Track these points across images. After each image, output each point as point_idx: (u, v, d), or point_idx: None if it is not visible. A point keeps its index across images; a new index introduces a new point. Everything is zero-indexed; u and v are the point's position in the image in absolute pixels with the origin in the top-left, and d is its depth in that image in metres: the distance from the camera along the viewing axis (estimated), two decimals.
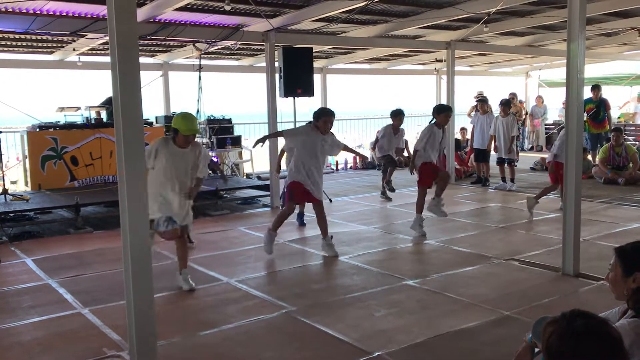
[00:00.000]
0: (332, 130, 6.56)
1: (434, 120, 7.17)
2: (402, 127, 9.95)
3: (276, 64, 9.46)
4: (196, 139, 5.54)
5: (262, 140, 6.73)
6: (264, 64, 9.86)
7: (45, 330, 4.41)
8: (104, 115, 10.11)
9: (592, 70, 16.39)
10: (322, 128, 6.33)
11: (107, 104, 10.05)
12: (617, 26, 10.78)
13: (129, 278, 3.39)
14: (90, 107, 10.22)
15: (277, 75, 9.41)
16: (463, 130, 13.81)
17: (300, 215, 8.01)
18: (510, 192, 10.25)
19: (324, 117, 6.34)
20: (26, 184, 9.71)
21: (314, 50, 10.16)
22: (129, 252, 3.34)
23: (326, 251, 6.36)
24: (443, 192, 7.34)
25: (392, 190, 9.83)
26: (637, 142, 12.60)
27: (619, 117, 16.44)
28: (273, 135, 7.37)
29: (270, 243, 6.33)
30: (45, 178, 9.29)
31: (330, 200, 9.64)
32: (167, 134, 4.94)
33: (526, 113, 16.99)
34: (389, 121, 9.93)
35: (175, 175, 5.20)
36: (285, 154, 7.41)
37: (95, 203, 8.66)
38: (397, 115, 9.74)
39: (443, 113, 7.14)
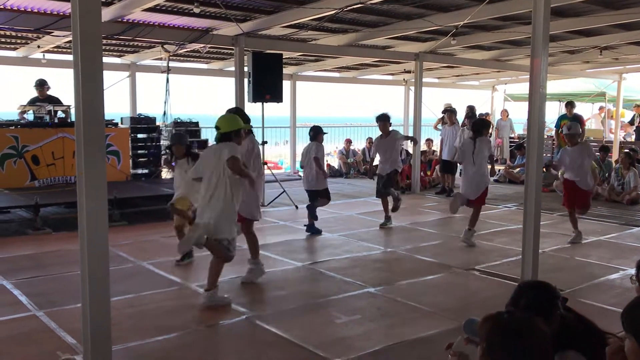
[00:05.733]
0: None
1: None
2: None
3: (245, 69, 9.44)
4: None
5: None
6: (233, 68, 9.82)
7: None
8: (30, 115, 9.85)
9: (555, 86, 16.76)
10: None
11: (32, 103, 9.81)
12: (580, 44, 11.07)
13: (86, 280, 3.32)
14: (54, 105, 10.01)
15: (246, 80, 9.38)
16: (429, 141, 14.01)
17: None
18: None
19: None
20: None
21: (283, 57, 10.17)
22: (86, 253, 3.28)
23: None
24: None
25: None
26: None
27: None
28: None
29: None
30: (4, 177, 9.04)
31: (297, 207, 9.63)
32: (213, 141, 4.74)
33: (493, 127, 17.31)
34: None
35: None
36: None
37: (56, 204, 8.47)
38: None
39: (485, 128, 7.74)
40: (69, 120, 9.67)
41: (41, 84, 9.82)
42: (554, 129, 13.05)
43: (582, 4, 8.12)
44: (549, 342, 1.85)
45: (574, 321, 2.32)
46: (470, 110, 12.27)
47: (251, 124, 5.64)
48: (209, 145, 5.15)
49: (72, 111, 9.18)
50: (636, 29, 9.84)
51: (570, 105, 12.77)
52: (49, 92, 9.92)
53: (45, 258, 6.40)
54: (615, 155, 14.33)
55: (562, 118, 12.66)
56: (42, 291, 5.23)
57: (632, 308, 1.89)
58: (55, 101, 9.83)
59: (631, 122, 17.01)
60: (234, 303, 4.95)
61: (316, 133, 8.00)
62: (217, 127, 4.92)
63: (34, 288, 5.31)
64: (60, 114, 9.56)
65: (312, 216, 7.86)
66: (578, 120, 12.87)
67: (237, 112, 5.46)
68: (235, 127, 4.90)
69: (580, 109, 18.41)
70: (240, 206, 5.09)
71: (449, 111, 11.76)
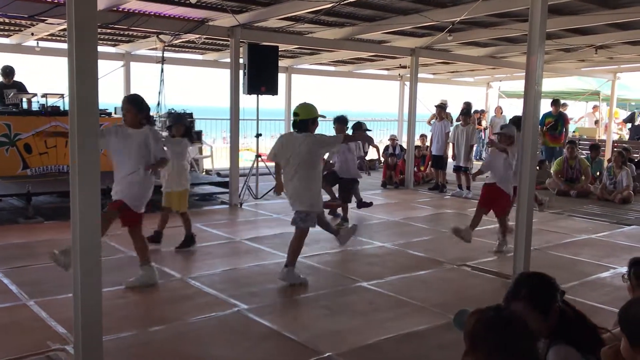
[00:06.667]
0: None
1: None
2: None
3: (241, 61, 9.40)
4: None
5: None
6: (228, 60, 9.78)
7: None
8: None
9: (550, 84, 16.80)
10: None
11: None
12: (576, 42, 11.09)
13: (77, 270, 3.30)
14: (47, 94, 9.94)
15: (241, 72, 9.35)
16: (423, 137, 14.03)
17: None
18: (465, 199, 10.43)
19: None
20: None
21: (279, 49, 10.14)
22: (78, 243, 3.26)
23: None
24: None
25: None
26: (585, 154, 12.99)
27: (573, 131, 16.93)
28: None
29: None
30: None
31: None
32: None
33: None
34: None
35: None
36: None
37: (48, 192, 8.43)
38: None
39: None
40: (61, 109, 9.59)
41: (11, 72, 9.80)
42: (538, 126, 13.06)
43: (579, 2, 8.13)
44: (533, 340, 1.85)
45: (572, 316, 2.32)
46: (466, 106, 12.29)
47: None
48: (287, 133, 5.76)
49: (66, 100, 9.14)
50: (631, 29, 9.87)
51: (555, 103, 12.78)
52: (14, 78, 9.97)
53: (37, 247, 6.36)
54: (607, 154, 14.40)
55: (546, 116, 12.68)
56: (33, 280, 5.20)
57: (627, 309, 1.91)
58: (20, 86, 9.85)
59: (628, 120, 17.07)
60: (225, 295, 4.94)
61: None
62: (295, 114, 5.39)
63: (24, 277, 5.28)
64: (24, 102, 9.49)
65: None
66: (562, 118, 12.92)
67: (137, 98, 5.38)
68: (312, 115, 5.38)
69: (574, 107, 18.51)
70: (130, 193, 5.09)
71: (438, 107, 11.79)
